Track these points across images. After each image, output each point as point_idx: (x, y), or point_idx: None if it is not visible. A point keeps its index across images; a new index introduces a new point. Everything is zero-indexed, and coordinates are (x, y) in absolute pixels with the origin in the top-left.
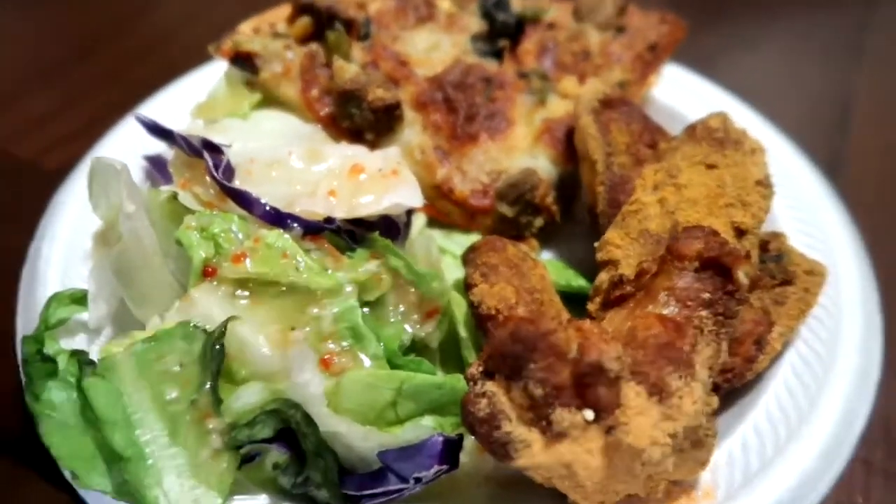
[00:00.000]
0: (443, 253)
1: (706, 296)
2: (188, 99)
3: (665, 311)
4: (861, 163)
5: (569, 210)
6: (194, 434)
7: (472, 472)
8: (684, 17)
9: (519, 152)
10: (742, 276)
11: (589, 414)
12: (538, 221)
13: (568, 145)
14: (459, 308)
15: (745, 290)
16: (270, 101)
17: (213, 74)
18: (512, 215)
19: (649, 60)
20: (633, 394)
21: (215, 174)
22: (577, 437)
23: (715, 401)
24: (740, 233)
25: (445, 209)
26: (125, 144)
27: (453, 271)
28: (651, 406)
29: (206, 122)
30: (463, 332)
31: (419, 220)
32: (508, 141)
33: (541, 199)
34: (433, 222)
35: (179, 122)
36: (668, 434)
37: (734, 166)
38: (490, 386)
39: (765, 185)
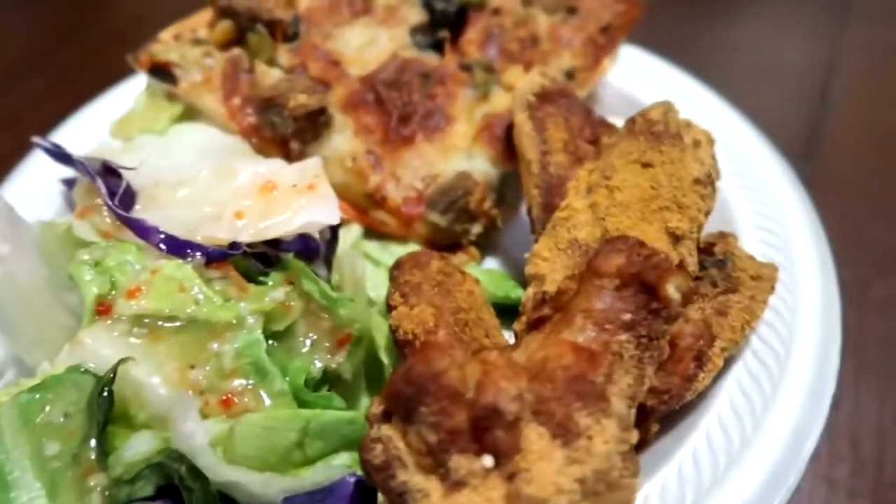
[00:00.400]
0: (377, 266)
1: (627, 317)
2: (117, 113)
3: (581, 337)
4: (839, 145)
5: (515, 213)
6: (75, 493)
7: None
8: None
9: (456, 153)
10: (672, 290)
11: (488, 460)
12: (476, 228)
13: (508, 144)
14: (381, 332)
15: (677, 305)
16: (193, 113)
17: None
18: (444, 224)
19: (602, 43)
20: (534, 436)
21: (109, 202)
22: (477, 485)
23: (634, 436)
24: (676, 238)
25: (380, 218)
26: (46, 168)
27: (385, 288)
28: (554, 449)
29: (121, 141)
30: (385, 358)
31: (352, 233)
32: (446, 141)
33: (477, 205)
34: (370, 233)
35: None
36: (576, 479)
37: (670, 164)
38: (386, 430)
39: (704, 183)
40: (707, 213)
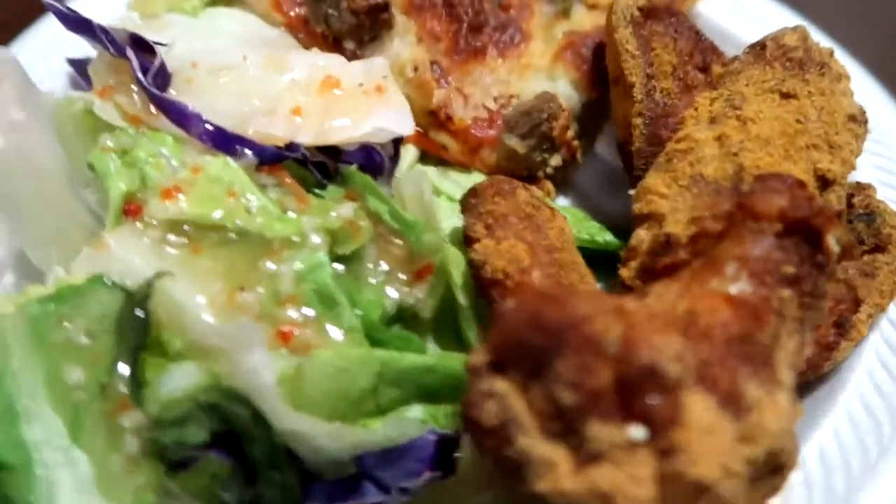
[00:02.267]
0: (437, 195)
1: (790, 270)
2: None
3: (733, 289)
4: None
5: (591, 147)
6: (104, 433)
7: (469, 472)
8: None
9: (534, 73)
10: (833, 243)
11: (638, 431)
12: (555, 160)
13: (594, 67)
14: (457, 267)
15: (836, 260)
16: None
17: None
18: (523, 151)
19: None
20: (698, 407)
21: (142, 79)
22: (620, 460)
23: (800, 411)
24: (825, 183)
25: (441, 141)
26: (48, 42)
27: (449, 219)
28: (723, 423)
29: (144, 18)
30: (462, 298)
31: (408, 154)
32: (522, 59)
33: (560, 133)
34: (425, 157)
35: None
36: (747, 460)
37: (819, 95)
38: (500, 385)
39: (859, 121)
40: (857, 157)
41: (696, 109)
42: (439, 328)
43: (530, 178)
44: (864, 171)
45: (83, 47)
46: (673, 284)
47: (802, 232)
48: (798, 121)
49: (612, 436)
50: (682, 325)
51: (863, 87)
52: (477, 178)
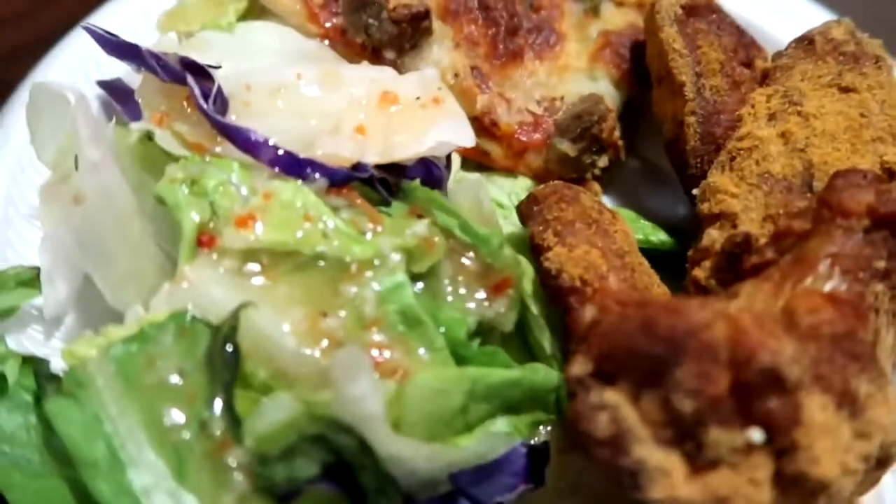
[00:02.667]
0: None
1: (881, 264)
2: (156, 7)
3: (828, 287)
4: None
5: (630, 145)
6: (209, 473)
7: (552, 481)
8: None
9: (573, 74)
10: None
11: (757, 435)
12: (602, 161)
13: (634, 64)
14: (527, 276)
15: None
16: (260, 10)
17: None
18: (574, 154)
19: None
20: (816, 406)
21: (204, 106)
22: (738, 464)
23: None
24: (891, 174)
25: (484, 147)
26: (73, 66)
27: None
28: (841, 422)
29: (181, 37)
30: (533, 307)
31: (454, 163)
32: (559, 60)
33: (608, 134)
34: (466, 163)
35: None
36: (862, 457)
37: (879, 89)
38: (610, 396)
39: None
40: None
41: (752, 107)
42: (506, 338)
43: (578, 180)
44: None
45: (110, 69)
46: (764, 284)
47: (889, 226)
48: (862, 114)
49: (731, 440)
50: (784, 325)
51: None
52: (523, 182)
